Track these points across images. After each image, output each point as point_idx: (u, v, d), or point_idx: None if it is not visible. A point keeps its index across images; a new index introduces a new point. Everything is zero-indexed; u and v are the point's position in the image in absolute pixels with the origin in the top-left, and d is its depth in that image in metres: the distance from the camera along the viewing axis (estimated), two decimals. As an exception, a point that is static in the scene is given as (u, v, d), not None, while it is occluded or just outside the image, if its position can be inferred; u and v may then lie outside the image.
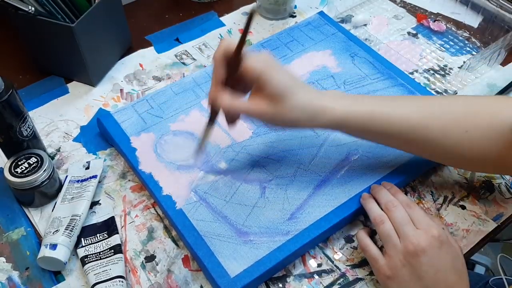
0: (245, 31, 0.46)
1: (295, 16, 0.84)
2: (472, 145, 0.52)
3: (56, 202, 0.57)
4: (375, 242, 0.54)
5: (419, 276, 0.48)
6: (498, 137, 0.51)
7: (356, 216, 0.58)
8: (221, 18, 0.83)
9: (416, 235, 0.49)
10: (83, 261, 0.53)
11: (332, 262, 0.55)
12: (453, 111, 0.53)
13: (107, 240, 0.54)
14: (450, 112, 0.53)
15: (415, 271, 0.48)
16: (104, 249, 0.53)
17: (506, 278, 0.65)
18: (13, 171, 0.55)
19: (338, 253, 0.56)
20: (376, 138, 0.55)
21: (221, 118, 0.64)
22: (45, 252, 0.52)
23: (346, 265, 0.55)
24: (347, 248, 0.56)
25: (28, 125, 0.57)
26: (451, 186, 0.62)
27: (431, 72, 0.75)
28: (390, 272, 0.49)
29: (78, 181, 0.59)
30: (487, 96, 0.56)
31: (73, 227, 0.54)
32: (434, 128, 0.53)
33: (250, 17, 0.45)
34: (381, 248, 0.52)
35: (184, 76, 0.74)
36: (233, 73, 0.49)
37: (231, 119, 0.53)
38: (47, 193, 0.58)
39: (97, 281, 0.50)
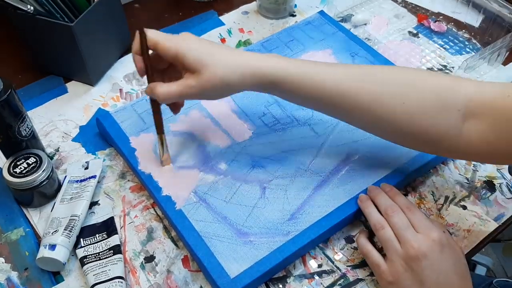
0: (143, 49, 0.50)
1: (295, 16, 0.84)
2: (412, 120, 0.49)
3: (55, 202, 0.57)
4: (374, 244, 0.54)
5: (421, 280, 0.47)
6: (446, 117, 0.49)
7: (357, 217, 0.57)
8: (220, 17, 0.83)
9: (417, 239, 0.49)
10: (82, 261, 0.52)
11: (333, 262, 0.55)
12: (392, 81, 0.50)
13: (106, 240, 0.54)
14: (388, 82, 0.50)
15: (417, 275, 0.47)
16: (104, 249, 0.53)
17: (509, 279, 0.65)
18: (12, 171, 0.55)
19: (339, 254, 0.56)
20: (308, 102, 0.53)
21: (221, 119, 0.64)
22: (44, 252, 0.51)
23: (347, 266, 0.55)
24: (347, 249, 0.56)
25: (27, 125, 0.57)
26: (452, 186, 0.62)
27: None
28: (392, 278, 0.49)
29: (77, 181, 0.59)
30: (437, 73, 0.53)
31: (72, 227, 0.53)
32: (365, 96, 0.50)
33: (141, 34, 0.49)
34: (381, 250, 0.52)
35: (183, 76, 0.74)
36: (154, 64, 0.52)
37: (174, 106, 0.56)
38: (46, 193, 0.58)
39: (96, 281, 0.50)
